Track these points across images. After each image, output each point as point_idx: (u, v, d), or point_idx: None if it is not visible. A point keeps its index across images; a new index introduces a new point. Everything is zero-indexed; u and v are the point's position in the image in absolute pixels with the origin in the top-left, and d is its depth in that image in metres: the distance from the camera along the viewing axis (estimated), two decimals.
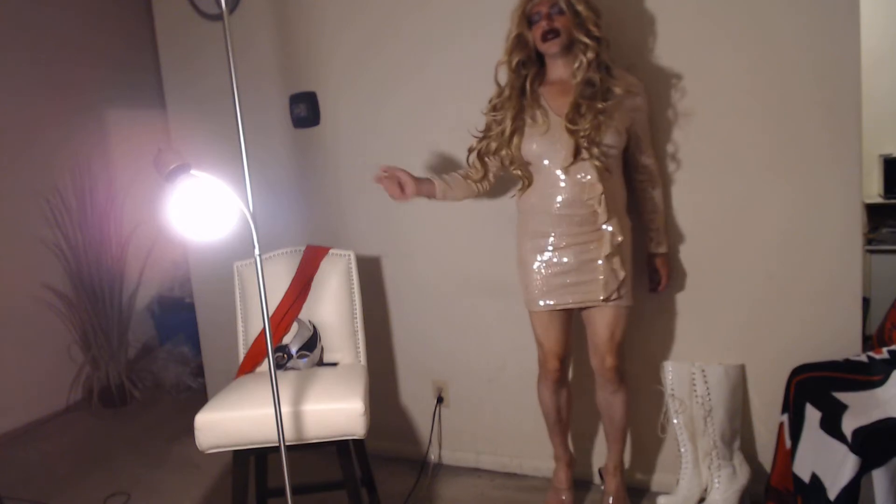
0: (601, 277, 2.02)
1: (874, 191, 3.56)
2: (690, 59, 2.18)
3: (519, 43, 2.01)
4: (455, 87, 2.49)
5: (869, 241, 3.37)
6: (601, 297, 2.02)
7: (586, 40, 1.92)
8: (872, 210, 3.44)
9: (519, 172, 2.09)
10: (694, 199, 2.24)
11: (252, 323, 2.40)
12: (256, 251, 1.68)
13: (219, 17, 2.85)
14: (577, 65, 1.96)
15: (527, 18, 1.98)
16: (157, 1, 3.07)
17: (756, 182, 2.16)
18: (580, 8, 1.92)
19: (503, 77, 2.09)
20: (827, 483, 1.75)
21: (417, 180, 2.18)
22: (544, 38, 1.96)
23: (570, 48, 1.97)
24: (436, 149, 2.55)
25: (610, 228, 1.99)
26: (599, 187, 1.96)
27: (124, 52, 4.09)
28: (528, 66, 2.04)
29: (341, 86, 2.71)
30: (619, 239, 1.99)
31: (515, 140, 2.04)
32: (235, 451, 2.01)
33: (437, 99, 2.54)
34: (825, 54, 2.02)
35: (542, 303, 2.09)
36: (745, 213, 2.19)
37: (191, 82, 3.04)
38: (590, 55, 1.93)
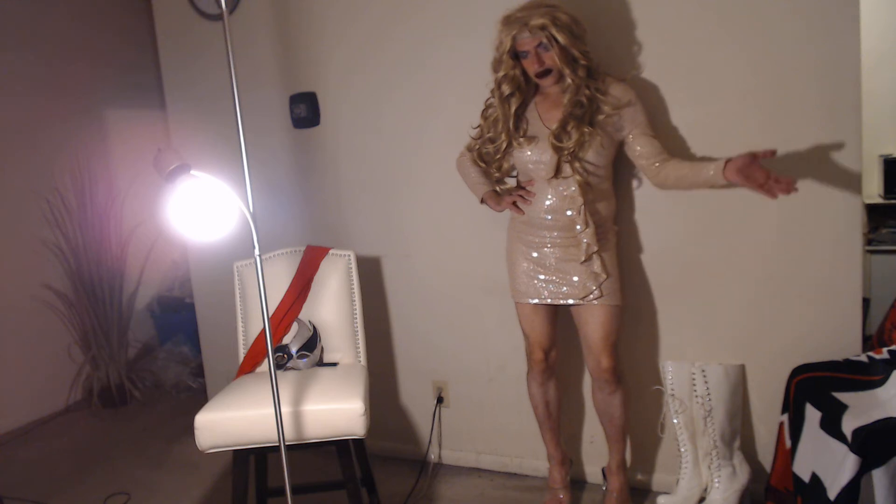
0: (577, 279, 2.10)
1: (874, 191, 3.56)
2: (691, 59, 2.18)
3: (507, 79, 2.05)
4: (454, 87, 2.49)
5: (869, 241, 3.37)
6: (580, 296, 2.10)
7: (570, 73, 1.97)
8: (872, 210, 3.44)
9: (506, 186, 2.22)
10: (694, 198, 2.24)
11: (252, 323, 2.40)
12: (256, 251, 1.68)
13: (219, 17, 2.86)
14: (564, 87, 2.01)
15: (513, 56, 2.02)
16: (157, 1, 3.07)
17: None
18: (563, 42, 1.93)
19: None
20: (827, 483, 1.75)
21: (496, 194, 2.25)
22: (538, 77, 2.02)
23: (562, 75, 2.01)
24: (435, 148, 2.55)
25: (586, 239, 2.06)
26: (580, 200, 2.05)
27: (124, 52, 4.10)
28: (517, 93, 2.07)
29: (341, 86, 2.71)
30: (594, 249, 2.07)
31: (507, 154, 2.13)
32: (235, 451, 2.01)
33: (437, 99, 2.54)
34: (825, 54, 2.02)
35: (525, 294, 2.19)
36: (744, 213, 2.19)
37: (191, 82, 3.04)
38: (577, 82, 1.98)
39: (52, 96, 3.71)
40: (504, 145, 2.11)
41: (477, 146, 2.22)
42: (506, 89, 2.06)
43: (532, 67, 2.00)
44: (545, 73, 1.99)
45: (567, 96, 2.00)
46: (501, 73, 2.04)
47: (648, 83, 2.22)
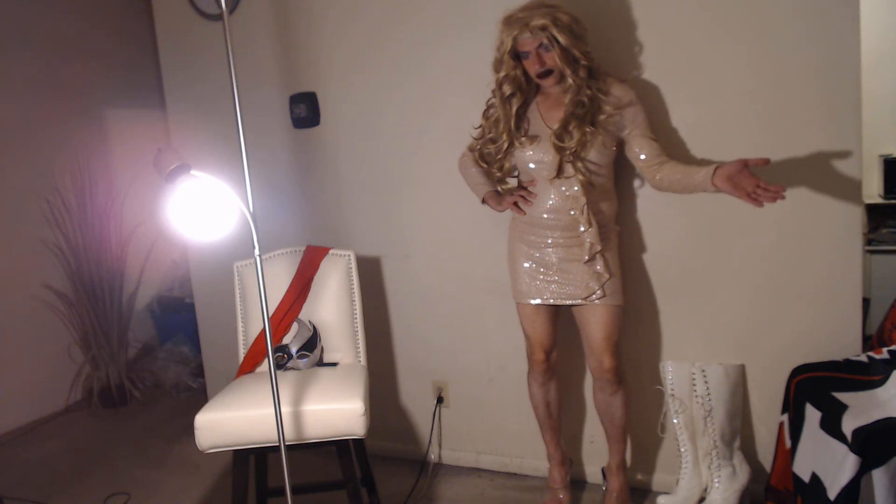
0: (579, 279, 2.10)
1: (874, 191, 3.56)
2: (691, 59, 2.18)
3: (508, 80, 2.05)
4: (455, 86, 2.49)
5: (869, 241, 3.37)
6: (582, 296, 2.10)
7: (571, 73, 1.97)
8: (872, 210, 3.44)
9: (508, 186, 2.22)
10: (694, 198, 2.23)
11: (252, 323, 2.40)
12: (256, 251, 1.68)
13: (219, 17, 2.86)
14: (566, 88, 2.01)
15: (514, 57, 2.02)
16: (157, 1, 3.07)
17: None
18: (564, 42, 1.93)
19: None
20: (827, 483, 1.75)
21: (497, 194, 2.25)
22: (539, 78, 2.02)
23: (563, 76, 2.01)
24: (435, 148, 2.55)
25: (589, 239, 2.06)
26: (583, 199, 2.05)
27: (124, 52, 4.10)
28: (518, 93, 2.07)
29: (341, 86, 2.71)
30: (598, 248, 2.06)
31: (508, 154, 2.13)
32: (235, 451, 2.01)
33: (437, 98, 2.54)
34: (825, 54, 2.02)
35: (527, 294, 2.19)
36: (744, 213, 2.18)
37: (191, 82, 3.04)
38: (578, 81, 1.98)
39: (52, 96, 3.71)
40: (505, 145, 2.11)
41: (478, 146, 2.22)
42: (507, 90, 2.06)
43: (533, 68, 2.00)
44: (546, 73, 1.99)
45: (568, 96, 2.00)
46: (503, 74, 2.04)
47: (649, 84, 2.22)
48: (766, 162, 1.81)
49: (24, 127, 3.57)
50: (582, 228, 2.06)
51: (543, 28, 1.91)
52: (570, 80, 1.98)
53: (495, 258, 2.42)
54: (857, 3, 1.98)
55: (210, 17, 2.92)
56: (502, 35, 2.00)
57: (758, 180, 1.78)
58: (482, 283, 2.58)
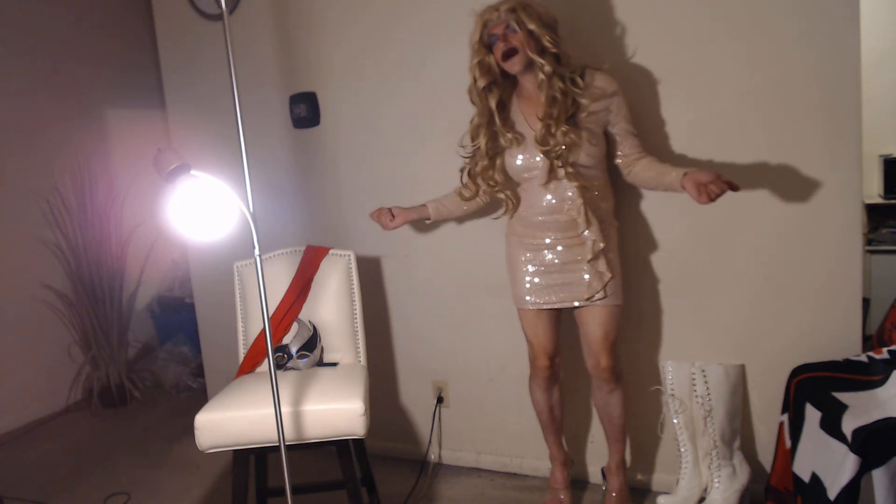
0: (585, 278, 2.08)
1: (874, 191, 3.56)
2: (690, 59, 2.18)
3: (482, 68, 2.05)
4: (455, 87, 2.47)
5: (869, 241, 3.37)
6: (585, 297, 2.09)
7: (540, 60, 1.96)
8: (872, 210, 3.44)
9: (503, 196, 2.17)
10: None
11: (252, 323, 2.40)
12: (256, 251, 1.68)
13: (219, 17, 2.86)
14: (539, 82, 2.01)
15: (486, 44, 2.03)
16: (157, 1, 3.07)
17: (756, 182, 2.16)
18: (532, 27, 1.94)
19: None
20: (827, 483, 1.75)
21: (408, 209, 2.36)
22: (504, 58, 2.01)
23: (531, 63, 2.01)
24: (435, 149, 2.55)
25: (591, 235, 2.05)
26: (579, 200, 2.04)
27: (124, 52, 4.10)
28: (495, 89, 2.07)
29: (341, 86, 2.71)
30: (601, 245, 2.05)
31: (498, 161, 2.12)
32: (235, 451, 2.01)
33: (437, 99, 2.54)
34: (825, 54, 2.02)
35: (528, 298, 2.17)
36: (744, 213, 2.19)
37: (191, 82, 3.04)
38: (547, 70, 1.97)
39: (52, 96, 3.72)
40: (488, 141, 2.08)
41: (467, 165, 2.20)
42: (481, 82, 2.05)
43: (499, 49, 2.00)
44: (511, 51, 1.98)
45: (543, 93, 1.99)
46: (475, 60, 2.04)
47: (648, 84, 2.21)
48: (737, 189, 1.84)
49: (24, 127, 3.58)
50: (582, 229, 2.06)
51: (512, 10, 1.95)
52: (540, 74, 1.97)
53: (495, 258, 2.42)
54: (857, 3, 1.98)
55: (210, 17, 2.92)
56: (476, 24, 2.03)
57: (724, 187, 1.82)
58: (482, 283, 2.58)
